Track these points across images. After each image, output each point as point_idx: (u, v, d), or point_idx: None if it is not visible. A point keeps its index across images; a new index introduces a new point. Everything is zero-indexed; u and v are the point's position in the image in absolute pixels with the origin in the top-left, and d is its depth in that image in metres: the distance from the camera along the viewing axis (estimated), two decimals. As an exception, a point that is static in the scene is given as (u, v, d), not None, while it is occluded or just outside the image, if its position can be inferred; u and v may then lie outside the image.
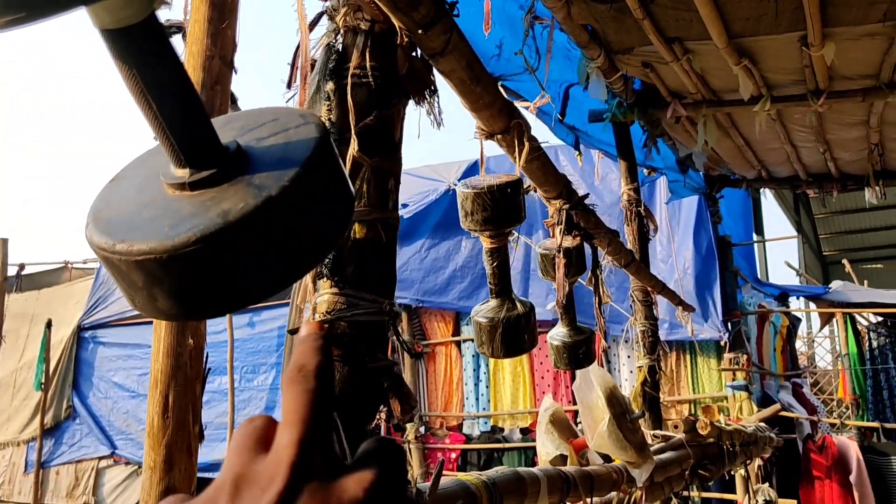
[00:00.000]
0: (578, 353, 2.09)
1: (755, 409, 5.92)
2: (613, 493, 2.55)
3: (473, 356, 6.95)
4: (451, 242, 7.02)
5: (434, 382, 7.17)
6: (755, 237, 10.51)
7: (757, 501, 4.77)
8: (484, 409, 6.89)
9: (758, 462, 5.65)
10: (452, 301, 6.90)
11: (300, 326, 0.45)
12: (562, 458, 2.40)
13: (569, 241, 1.99)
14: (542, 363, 6.72)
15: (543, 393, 6.55)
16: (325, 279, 1.14)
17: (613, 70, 3.47)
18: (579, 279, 2.20)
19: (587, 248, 2.20)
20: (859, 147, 4.97)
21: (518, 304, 1.55)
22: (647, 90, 3.94)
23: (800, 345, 12.62)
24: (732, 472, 5.33)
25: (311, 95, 1.22)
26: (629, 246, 3.93)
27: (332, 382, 0.39)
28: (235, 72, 1.72)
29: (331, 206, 0.68)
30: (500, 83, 3.21)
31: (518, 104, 3.11)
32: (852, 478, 5.61)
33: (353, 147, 1.15)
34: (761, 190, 9.15)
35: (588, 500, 2.16)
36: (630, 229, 3.94)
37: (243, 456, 0.37)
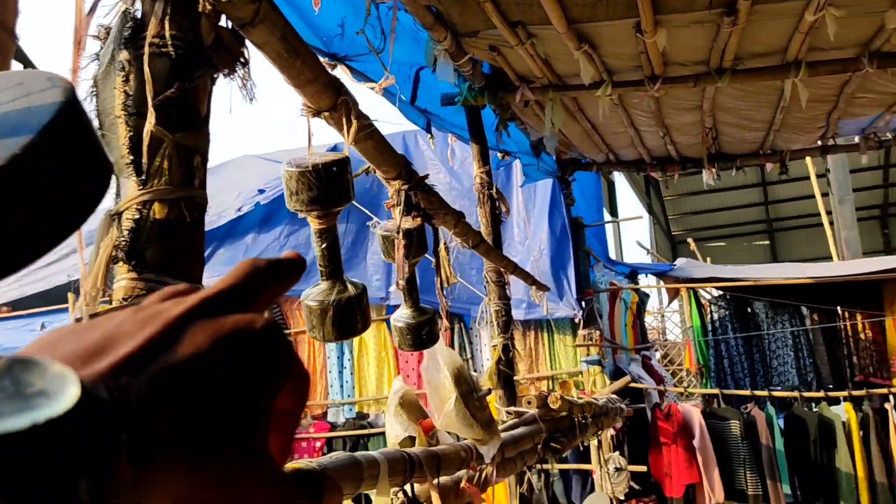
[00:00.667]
0: (422, 334, 2.09)
1: (608, 381, 6.22)
2: (463, 472, 2.58)
3: (338, 344, 6.88)
4: (311, 229, 6.87)
5: (297, 372, 7.01)
6: (608, 217, 11.01)
7: (608, 469, 5.01)
8: (349, 395, 6.84)
9: (610, 432, 5.94)
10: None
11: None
12: (411, 440, 2.40)
13: (409, 222, 1.97)
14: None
15: (408, 376, 6.58)
16: (121, 263, 1.05)
17: (461, 53, 3.49)
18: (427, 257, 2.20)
19: (430, 229, 2.20)
20: (695, 131, 5.29)
21: (349, 286, 1.51)
22: (497, 74, 4.00)
23: (651, 319, 13.40)
24: (586, 443, 5.58)
25: (105, 66, 1.13)
26: (482, 228, 3.99)
27: None
28: (18, 40, 1.56)
29: (78, 178, 0.62)
30: (345, 63, 3.16)
31: (366, 86, 3.07)
32: (696, 442, 6.00)
33: (151, 121, 1.07)
34: (613, 173, 9.62)
35: (435, 479, 2.17)
36: (483, 211, 4.00)
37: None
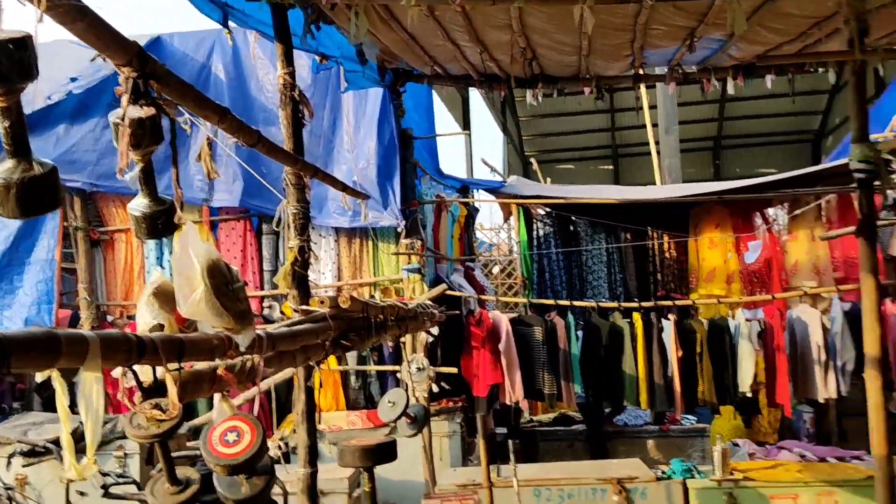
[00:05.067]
0: (157, 223, 2.13)
1: (426, 289, 6.50)
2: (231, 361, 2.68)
3: (157, 243, 6.74)
4: None
5: (113, 271, 6.86)
6: (461, 131, 11.16)
7: (411, 369, 5.31)
8: (169, 297, 6.74)
9: (425, 336, 6.26)
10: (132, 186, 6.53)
11: None
12: (160, 328, 2.46)
13: (139, 111, 1.98)
14: (228, 250, 6.72)
15: (231, 280, 6.56)
16: None
17: (258, -53, 3.41)
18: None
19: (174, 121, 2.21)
20: (513, 51, 5.45)
21: (36, 165, 1.54)
22: (303, -27, 3.94)
23: (493, 235, 13.94)
24: (388, 344, 5.86)
25: None
26: (283, 130, 4.00)
27: None
28: None
29: None
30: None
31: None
32: (501, 346, 6.44)
33: None
34: (470, 89, 9.74)
35: (174, 364, 2.26)
36: (285, 113, 4.00)
37: None
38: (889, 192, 8.32)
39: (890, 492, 3.33)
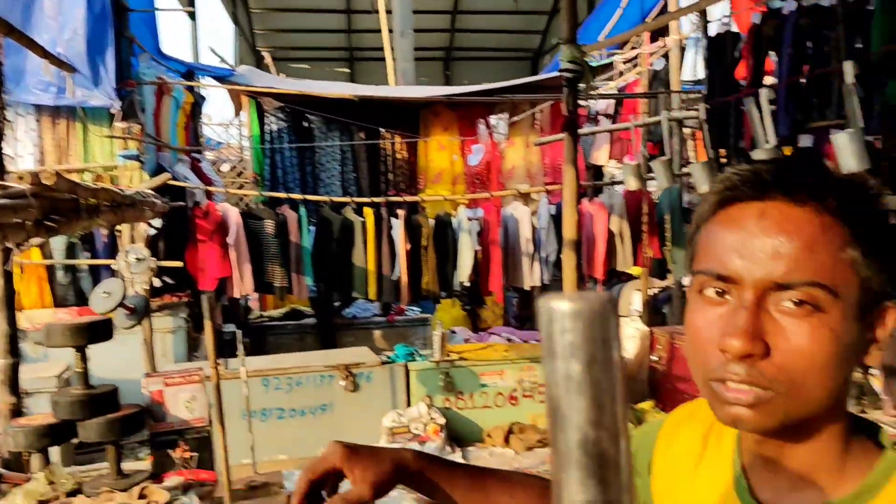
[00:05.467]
0: None
1: (147, 178, 6.02)
2: None
3: None
4: None
5: None
6: (183, 8, 10.27)
7: (129, 259, 4.95)
8: None
9: (145, 227, 5.84)
10: None
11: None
12: None
13: None
14: None
15: None
16: None
17: None
18: None
19: None
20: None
21: None
22: None
23: (212, 131, 13.25)
24: (101, 231, 5.41)
25: None
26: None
27: None
28: None
29: None
30: None
31: None
32: (230, 239, 6.24)
33: None
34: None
35: None
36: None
37: None
38: (592, 105, 9.28)
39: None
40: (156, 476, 2.84)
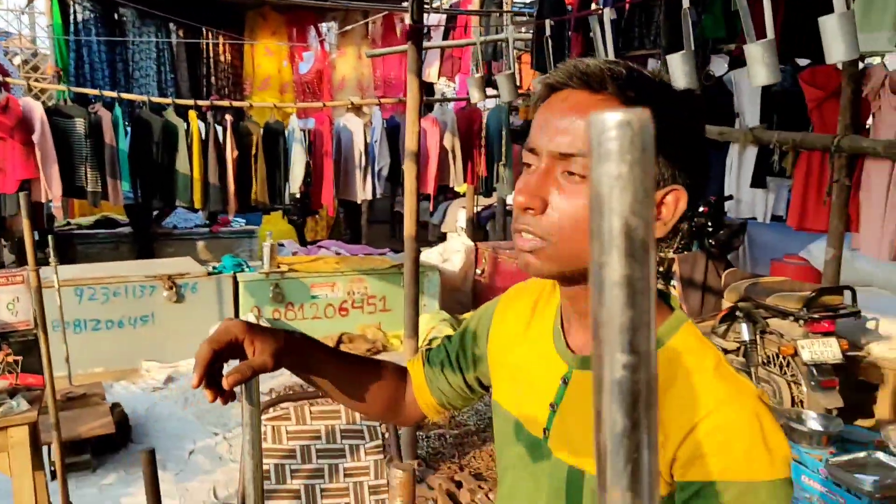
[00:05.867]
0: None
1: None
2: None
3: None
4: None
5: None
6: None
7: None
8: None
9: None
10: None
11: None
12: None
13: None
14: None
15: None
16: None
17: None
18: None
19: None
20: None
21: None
22: None
23: (13, 19, 11.78)
24: None
25: None
26: None
27: None
28: None
29: None
30: None
31: None
32: (35, 138, 5.67)
33: None
34: None
35: None
36: None
37: None
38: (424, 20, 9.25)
39: (415, 270, 3.97)
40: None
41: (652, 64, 5.37)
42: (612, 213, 0.31)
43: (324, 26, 9.05)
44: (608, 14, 3.18)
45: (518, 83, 5.35)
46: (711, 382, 0.83)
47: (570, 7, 6.37)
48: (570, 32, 5.99)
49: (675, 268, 5.26)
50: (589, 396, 0.58)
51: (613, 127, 0.30)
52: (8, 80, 5.86)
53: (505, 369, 1.07)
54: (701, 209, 5.31)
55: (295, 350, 1.02)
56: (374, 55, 7.86)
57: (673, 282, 5.23)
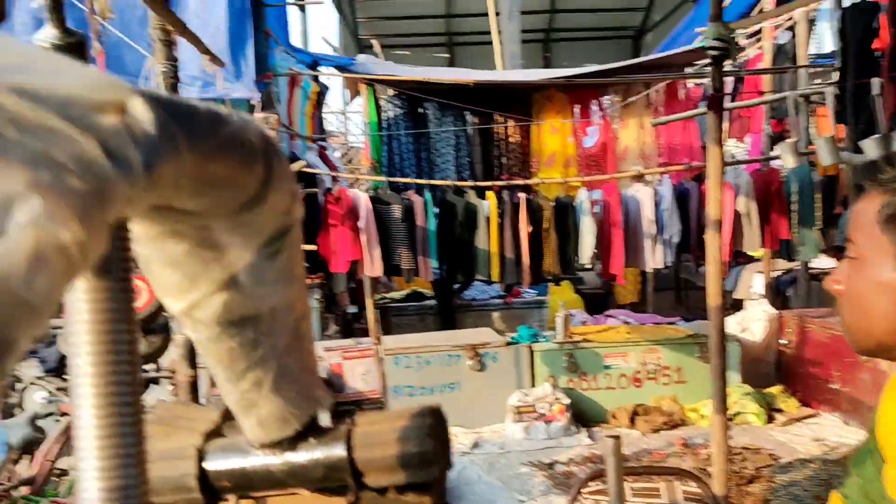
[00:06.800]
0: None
1: (283, 166, 6.33)
2: None
3: None
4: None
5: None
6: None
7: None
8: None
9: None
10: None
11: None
12: None
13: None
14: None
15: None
16: None
17: None
18: None
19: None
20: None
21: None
22: None
23: (335, 119, 13.67)
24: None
25: None
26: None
27: None
28: None
29: None
30: None
31: None
32: (361, 223, 6.49)
33: None
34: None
35: None
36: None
37: None
38: (706, 82, 9.06)
39: (721, 340, 3.85)
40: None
41: None
42: None
43: (605, 100, 9.28)
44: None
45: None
46: None
47: (878, 53, 5.88)
48: (882, 80, 5.53)
49: None
50: None
51: None
52: (338, 174, 6.80)
53: None
54: None
55: None
56: (660, 123, 7.87)
57: None
